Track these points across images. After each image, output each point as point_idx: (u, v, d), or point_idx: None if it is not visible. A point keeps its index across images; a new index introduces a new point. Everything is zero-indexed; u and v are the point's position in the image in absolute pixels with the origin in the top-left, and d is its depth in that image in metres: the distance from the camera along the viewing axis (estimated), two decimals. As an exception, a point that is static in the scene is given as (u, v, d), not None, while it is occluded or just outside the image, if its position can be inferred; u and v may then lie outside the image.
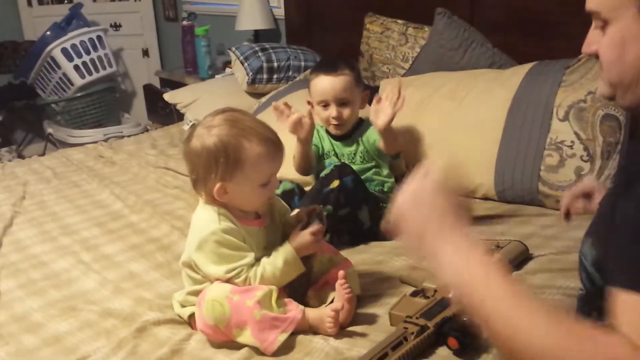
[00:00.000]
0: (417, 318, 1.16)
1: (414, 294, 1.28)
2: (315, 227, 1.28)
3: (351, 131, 1.81)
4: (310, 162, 1.81)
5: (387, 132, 1.68)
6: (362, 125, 1.82)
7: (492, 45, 2.23)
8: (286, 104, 1.73)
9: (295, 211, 1.38)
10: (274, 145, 1.24)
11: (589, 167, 1.72)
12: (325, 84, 1.76)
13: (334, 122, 1.77)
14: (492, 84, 1.96)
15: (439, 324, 1.14)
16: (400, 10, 2.57)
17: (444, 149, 1.94)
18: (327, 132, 1.85)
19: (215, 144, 1.21)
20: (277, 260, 1.24)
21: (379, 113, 1.66)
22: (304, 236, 1.27)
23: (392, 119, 1.65)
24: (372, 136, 1.77)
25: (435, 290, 1.27)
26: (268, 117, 2.24)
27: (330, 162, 1.80)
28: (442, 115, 1.99)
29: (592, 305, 0.94)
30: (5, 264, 1.65)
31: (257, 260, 1.25)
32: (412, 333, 1.12)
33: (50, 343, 1.28)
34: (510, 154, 1.82)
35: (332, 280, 1.32)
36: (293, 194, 1.74)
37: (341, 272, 1.23)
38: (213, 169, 1.21)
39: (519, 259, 1.45)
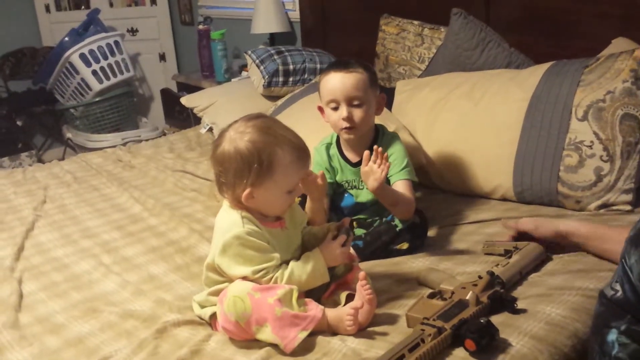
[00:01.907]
0: (434, 320, 1.15)
1: (431, 296, 1.28)
2: (344, 238, 1.30)
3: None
4: (321, 217, 1.57)
5: (381, 191, 1.49)
6: (378, 141, 1.67)
7: (509, 45, 2.22)
8: None
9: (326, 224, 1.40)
10: (304, 153, 1.28)
11: (609, 168, 1.71)
12: (335, 81, 1.59)
13: (344, 124, 1.59)
14: (509, 84, 1.95)
15: (456, 326, 1.14)
16: (416, 11, 2.57)
17: (461, 150, 1.94)
18: (344, 158, 1.68)
19: (249, 149, 1.21)
20: (307, 266, 1.26)
21: (369, 175, 1.46)
22: (334, 248, 1.29)
23: (383, 181, 1.46)
24: (390, 156, 1.59)
25: (453, 292, 1.27)
26: (282, 120, 2.26)
27: (351, 199, 1.70)
28: (459, 116, 1.98)
29: (630, 310, 0.94)
30: (28, 266, 1.67)
31: (283, 262, 1.26)
32: (429, 335, 1.11)
33: (72, 344, 1.30)
34: (529, 155, 1.81)
35: (342, 284, 1.34)
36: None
37: (362, 273, 1.23)
38: (245, 174, 1.22)
39: (538, 261, 1.44)
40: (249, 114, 1.31)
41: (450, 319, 1.16)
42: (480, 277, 1.31)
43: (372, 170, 1.45)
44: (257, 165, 1.21)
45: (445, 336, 1.12)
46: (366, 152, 1.48)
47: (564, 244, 1.48)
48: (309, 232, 1.39)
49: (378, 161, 1.45)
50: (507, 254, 1.46)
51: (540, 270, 1.43)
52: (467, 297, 1.22)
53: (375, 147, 1.48)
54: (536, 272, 1.42)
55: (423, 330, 1.13)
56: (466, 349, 1.12)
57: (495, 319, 1.20)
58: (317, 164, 1.69)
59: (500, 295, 1.25)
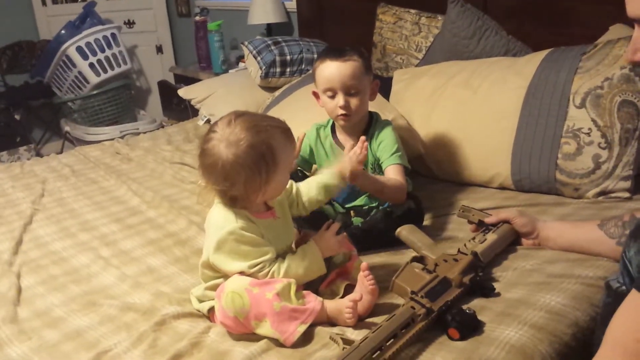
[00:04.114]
0: (421, 297, 1.17)
1: (415, 260, 1.32)
2: (337, 226, 1.31)
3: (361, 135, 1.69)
4: None
5: (360, 182, 1.51)
6: (371, 127, 1.70)
7: (507, 33, 2.21)
8: None
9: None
10: (289, 131, 1.28)
11: (607, 155, 1.70)
12: (332, 70, 1.61)
13: (341, 112, 1.63)
14: (507, 71, 1.94)
15: (443, 309, 1.16)
16: (413, 0, 2.56)
17: (459, 139, 1.93)
18: (338, 143, 1.71)
19: (252, 156, 1.19)
20: (303, 259, 1.26)
21: (345, 164, 1.46)
22: (329, 237, 1.29)
23: (354, 169, 1.44)
24: (381, 143, 1.66)
25: (436, 264, 1.29)
26: (280, 111, 2.25)
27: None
28: (456, 105, 1.97)
29: None
30: (26, 260, 1.67)
31: (279, 254, 1.26)
32: (419, 315, 1.14)
33: (71, 337, 1.30)
34: (527, 143, 1.80)
35: (342, 273, 1.34)
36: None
37: (364, 264, 1.23)
38: (257, 179, 1.20)
39: (510, 241, 1.48)
40: (220, 119, 1.26)
41: (436, 298, 1.18)
42: (460, 252, 1.36)
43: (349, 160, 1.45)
44: (264, 168, 1.20)
45: (432, 318, 1.15)
46: (348, 146, 1.50)
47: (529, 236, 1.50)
48: (300, 199, 1.39)
49: (357, 150, 1.45)
50: (482, 226, 1.50)
51: (513, 251, 1.46)
52: (452, 277, 1.25)
53: (362, 138, 1.48)
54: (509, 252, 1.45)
55: (413, 308, 1.15)
56: (448, 336, 1.14)
57: (495, 308, 1.21)
58: (307, 138, 1.74)
59: (480, 282, 1.28)
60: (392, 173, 1.62)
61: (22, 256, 1.70)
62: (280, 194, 1.32)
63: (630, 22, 0.94)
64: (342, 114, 1.63)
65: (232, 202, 1.24)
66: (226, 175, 1.20)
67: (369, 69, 1.67)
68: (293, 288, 1.20)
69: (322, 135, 1.74)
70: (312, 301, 1.21)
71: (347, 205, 1.71)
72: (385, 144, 1.65)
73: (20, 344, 1.28)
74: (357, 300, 1.20)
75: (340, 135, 1.72)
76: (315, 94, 1.72)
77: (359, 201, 1.70)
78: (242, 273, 1.22)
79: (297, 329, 1.17)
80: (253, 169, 1.19)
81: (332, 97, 1.64)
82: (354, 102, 1.62)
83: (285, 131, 1.26)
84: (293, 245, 1.35)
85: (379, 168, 1.66)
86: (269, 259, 1.23)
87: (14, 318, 1.38)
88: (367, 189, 1.57)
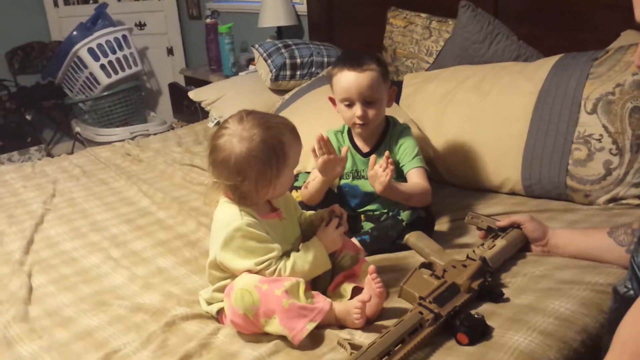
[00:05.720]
0: (430, 302, 1.17)
1: (424, 266, 1.32)
2: (337, 221, 1.33)
3: (378, 142, 1.69)
4: (319, 198, 1.61)
5: (389, 192, 1.50)
6: (388, 132, 1.70)
7: (518, 38, 2.21)
8: (329, 141, 1.52)
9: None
10: (296, 131, 1.31)
11: (618, 161, 1.70)
12: (350, 80, 1.59)
13: (358, 121, 1.62)
14: (517, 77, 1.93)
15: (451, 315, 1.16)
16: (424, 4, 2.56)
17: (469, 144, 1.93)
18: (355, 148, 1.71)
19: (265, 150, 1.22)
20: (308, 255, 1.27)
21: (375, 179, 1.48)
22: (330, 232, 1.31)
23: (388, 185, 1.47)
24: (401, 146, 1.65)
25: (444, 270, 1.29)
26: (290, 114, 2.26)
27: (346, 184, 1.71)
28: (467, 109, 1.97)
29: None
30: (37, 260, 1.68)
31: (283, 253, 1.27)
32: (427, 320, 1.14)
33: (81, 337, 1.30)
34: (538, 148, 1.80)
35: (350, 276, 1.35)
36: None
37: (372, 267, 1.24)
38: (268, 173, 1.23)
39: (519, 246, 1.47)
40: (230, 117, 1.29)
41: (444, 304, 1.18)
42: (469, 257, 1.36)
43: (377, 175, 1.47)
44: (275, 162, 1.23)
45: (440, 323, 1.15)
46: (372, 157, 1.51)
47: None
48: (305, 221, 1.41)
49: (383, 165, 1.46)
50: (491, 232, 1.50)
51: (523, 257, 1.46)
52: (460, 283, 1.25)
53: (386, 153, 1.49)
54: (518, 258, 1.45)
55: (421, 313, 1.15)
56: (457, 341, 1.14)
57: (504, 314, 1.21)
58: None
59: (489, 287, 1.28)
60: (416, 176, 1.62)
61: (33, 255, 1.71)
62: (286, 191, 1.35)
63: (639, 27, 0.94)
64: (359, 124, 1.62)
65: (242, 198, 1.26)
66: (239, 169, 1.22)
67: (387, 76, 1.65)
68: (302, 287, 1.21)
69: (340, 140, 1.73)
70: (321, 301, 1.22)
71: (358, 210, 1.71)
72: (405, 147, 1.65)
73: (30, 342, 1.29)
74: (366, 301, 1.20)
75: (358, 141, 1.72)
76: (332, 100, 1.71)
77: (371, 206, 1.70)
78: (249, 271, 1.23)
79: (306, 327, 1.17)
80: (265, 163, 1.22)
81: (349, 106, 1.62)
82: (371, 112, 1.61)
83: (292, 130, 1.30)
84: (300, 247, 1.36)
85: (399, 171, 1.65)
86: (275, 256, 1.24)
87: (24, 317, 1.39)
88: (395, 198, 1.55)
